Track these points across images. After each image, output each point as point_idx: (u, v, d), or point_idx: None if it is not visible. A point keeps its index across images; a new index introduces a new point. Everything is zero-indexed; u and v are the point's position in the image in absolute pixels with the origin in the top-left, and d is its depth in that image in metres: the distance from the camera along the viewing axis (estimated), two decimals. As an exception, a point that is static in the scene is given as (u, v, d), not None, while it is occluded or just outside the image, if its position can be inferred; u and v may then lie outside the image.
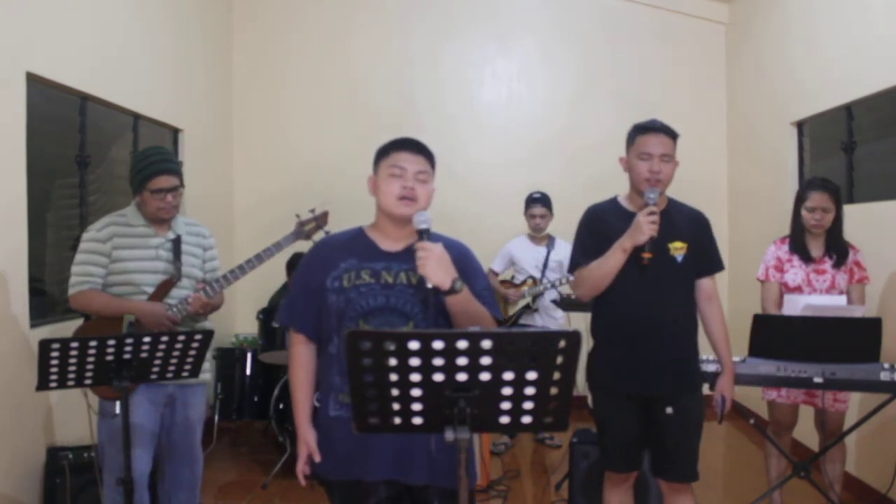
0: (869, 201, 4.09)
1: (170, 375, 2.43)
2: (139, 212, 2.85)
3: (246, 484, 4.28)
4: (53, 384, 2.26)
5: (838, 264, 3.31)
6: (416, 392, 1.48)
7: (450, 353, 1.43)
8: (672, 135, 2.58)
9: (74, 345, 2.19)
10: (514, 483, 4.29)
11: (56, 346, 2.19)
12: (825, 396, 3.24)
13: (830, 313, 3.07)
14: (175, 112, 4.89)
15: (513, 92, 6.19)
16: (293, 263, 4.79)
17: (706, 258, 2.67)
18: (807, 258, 3.35)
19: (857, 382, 2.92)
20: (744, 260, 5.33)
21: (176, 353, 2.37)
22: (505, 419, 1.52)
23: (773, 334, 2.98)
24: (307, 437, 2.00)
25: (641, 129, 2.60)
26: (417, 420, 1.52)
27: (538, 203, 4.84)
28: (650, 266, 2.49)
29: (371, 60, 6.08)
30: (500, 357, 1.43)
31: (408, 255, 1.98)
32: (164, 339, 2.32)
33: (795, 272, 3.36)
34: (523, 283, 4.88)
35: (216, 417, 4.89)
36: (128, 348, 2.26)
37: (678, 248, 2.57)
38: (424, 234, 1.91)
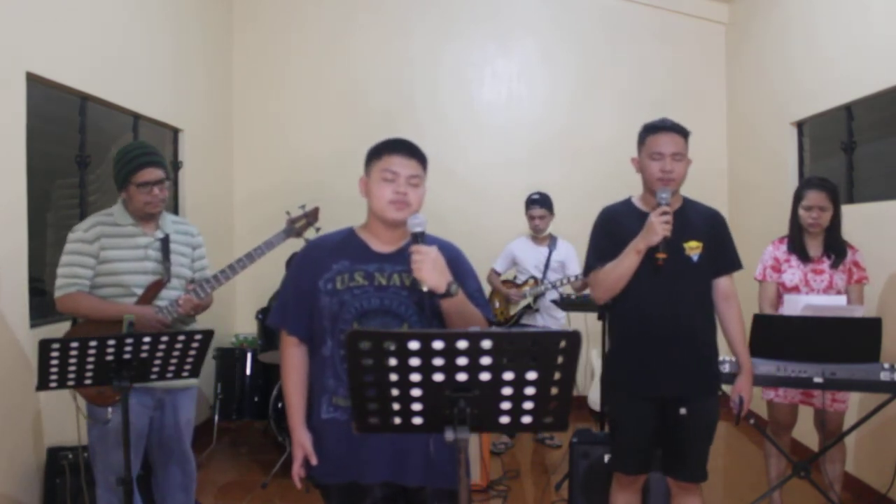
0: (869, 201, 4.09)
1: (170, 375, 2.42)
2: (126, 210, 2.79)
3: (246, 484, 4.28)
4: (53, 384, 2.26)
5: (836, 264, 3.31)
6: (416, 392, 1.47)
7: (450, 353, 1.42)
8: (683, 133, 2.55)
9: (74, 345, 2.18)
10: (514, 483, 4.29)
11: (56, 346, 2.18)
12: (824, 396, 3.24)
13: (830, 313, 3.06)
14: (175, 112, 4.90)
15: (513, 92, 6.18)
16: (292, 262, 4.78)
17: (722, 257, 2.65)
18: (805, 258, 3.34)
19: (857, 382, 2.92)
20: (744, 260, 5.29)
21: (176, 354, 2.36)
22: (505, 419, 1.52)
23: (773, 334, 2.98)
24: (303, 440, 2.00)
25: (652, 129, 2.57)
26: (417, 420, 1.52)
27: (537, 204, 4.84)
28: (665, 266, 2.46)
29: (371, 60, 6.08)
30: (500, 357, 1.43)
31: (400, 256, 1.98)
32: (164, 339, 2.31)
33: (793, 272, 3.36)
34: (525, 283, 4.87)
35: (216, 417, 4.88)
36: (128, 348, 2.25)
37: (693, 248, 2.55)
38: (419, 238, 1.89)
